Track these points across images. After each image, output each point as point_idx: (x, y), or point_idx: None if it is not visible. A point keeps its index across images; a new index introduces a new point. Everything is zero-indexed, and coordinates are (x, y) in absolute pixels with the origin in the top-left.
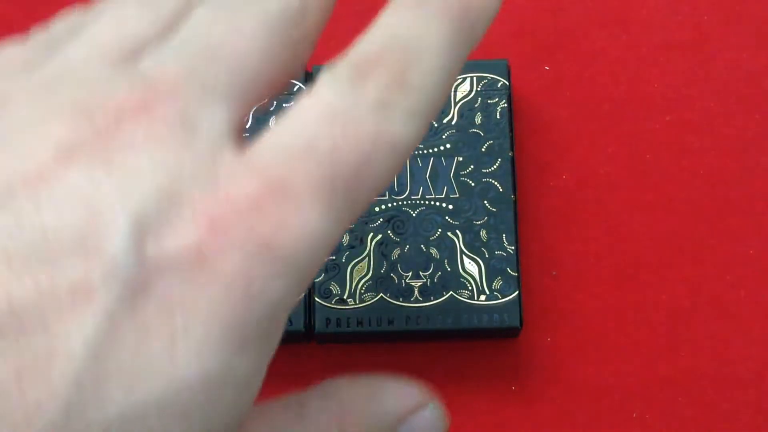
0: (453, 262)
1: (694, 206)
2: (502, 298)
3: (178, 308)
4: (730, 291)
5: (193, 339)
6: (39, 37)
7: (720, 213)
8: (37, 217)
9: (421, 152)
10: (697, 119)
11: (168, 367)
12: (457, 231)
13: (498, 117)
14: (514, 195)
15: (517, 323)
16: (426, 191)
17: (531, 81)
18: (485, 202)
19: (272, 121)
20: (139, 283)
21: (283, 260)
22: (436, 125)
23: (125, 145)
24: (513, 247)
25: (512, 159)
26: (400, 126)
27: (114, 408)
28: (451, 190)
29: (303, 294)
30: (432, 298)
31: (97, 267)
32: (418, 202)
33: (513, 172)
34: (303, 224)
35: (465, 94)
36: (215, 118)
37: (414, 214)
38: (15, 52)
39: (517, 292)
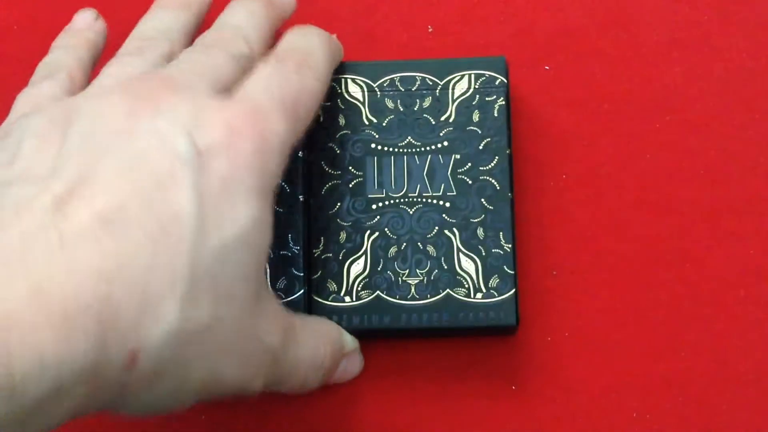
0: (450, 260)
1: (694, 206)
2: (499, 296)
3: (228, 173)
4: (730, 291)
5: (244, 191)
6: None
7: (720, 213)
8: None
9: (418, 150)
10: (697, 119)
11: (234, 213)
12: (454, 229)
13: (496, 114)
14: (512, 193)
15: (513, 321)
16: (423, 189)
17: (530, 80)
18: (482, 200)
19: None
20: (201, 164)
21: (270, 143)
22: (433, 122)
23: (163, 102)
24: (510, 245)
25: (510, 157)
26: (309, 80)
27: (215, 240)
28: (448, 187)
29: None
30: (429, 295)
31: (177, 160)
32: (415, 199)
33: (510, 170)
34: (277, 127)
35: (463, 91)
36: (209, 90)
37: (411, 212)
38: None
39: (513, 290)
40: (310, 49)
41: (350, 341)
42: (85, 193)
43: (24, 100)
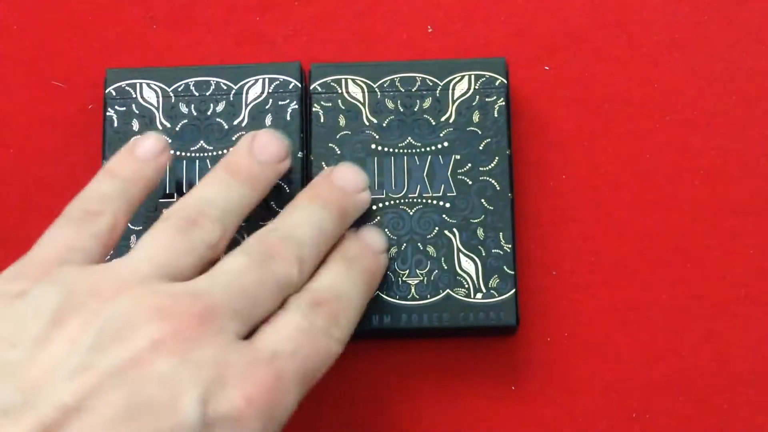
0: (450, 260)
1: (694, 206)
2: (499, 296)
3: None
4: (730, 291)
5: None
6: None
7: (720, 213)
8: (138, 388)
9: (418, 150)
10: (697, 119)
11: None
12: (454, 229)
13: (496, 115)
14: (512, 193)
15: (513, 321)
16: (423, 189)
17: (530, 80)
18: (482, 200)
19: (268, 119)
20: None
21: (277, 420)
22: (433, 123)
23: (192, 343)
24: (510, 246)
25: (510, 157)
26: (335, 344)
27: None
28: (448, 188)
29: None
30: (429, 296)
31: (175, 423)
32: (415, 200)
33: (511, 171)
34: (289, 399)
35: (463, 92)
36: (240, 330)
37: (411, 212)
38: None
39: (513, 291)
40: (348, 298)
41: None
42: (72, 429)
43: (54, 241)
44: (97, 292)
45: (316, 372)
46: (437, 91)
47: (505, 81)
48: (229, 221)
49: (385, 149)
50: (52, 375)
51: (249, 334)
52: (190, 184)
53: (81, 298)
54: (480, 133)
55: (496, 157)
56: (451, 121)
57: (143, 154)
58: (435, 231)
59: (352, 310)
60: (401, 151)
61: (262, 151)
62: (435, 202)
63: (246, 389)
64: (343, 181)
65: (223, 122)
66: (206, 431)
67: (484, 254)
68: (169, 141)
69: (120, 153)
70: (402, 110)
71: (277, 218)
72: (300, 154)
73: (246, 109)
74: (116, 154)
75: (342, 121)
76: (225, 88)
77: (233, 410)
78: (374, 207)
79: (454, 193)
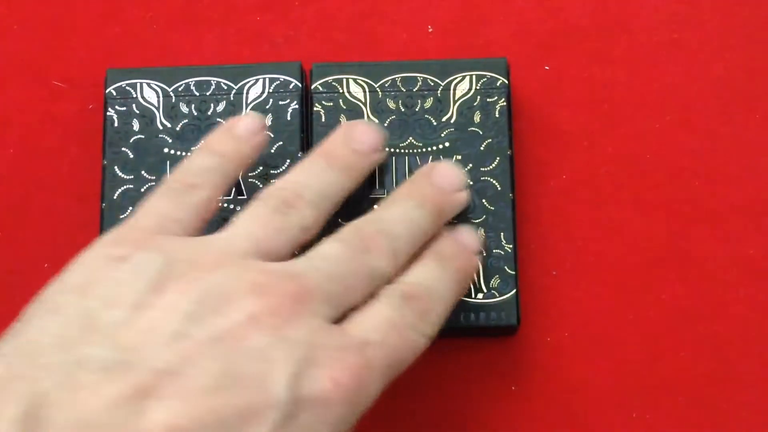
0: None
1: (694, 206)
2: (500, 296)
3: (310, 428)
4: (730, 291)
5: None
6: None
7: (720, 213)
8: (232, 359)
9: (420, 150)
10: (697, 119)
11: None
12: None
13: (497, 115)
14: (513, 194)
15: (514, 321)
16: None
17: (531, 80)
18: (483, 200)
19: (268, 119)
20: (290, 412)
21: (359, 406)
22: (434, 123)
23: (286, 322)
24: (511, 246)
25: (511, 158)
26: (422, 339)
27: None
28: None
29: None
30: None
31: (270, 400)
32: None
33: (512, 171)
34: (374, 388)
35: (464, 92)
36: (331, 314)
37: None
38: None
39: (514, 291)
40: (440, 295)
41: None
42: (167, 392)
43: (154, 210)
44: (197, 263)
45: (401, 364)
46: (438, 92)
47: (507, 81)
48: (324, 206)
49: (386, 149)
50: (150, 339)
51: (337, 321)
52: None
53: (181, 268)
54: (481, 133)
55: (497, 158)
56: (452, 121)
57: (241, 133)
58: None
59: (442, 307)
60: (402, 151)
61: (359, 140)
62: None
63: (335, 372)
64: (442, 180)
65: (224, 122)
66: (294, 409)
67: (485, 254)
68: (170, 141)
69: (218, 130)
70: (403, 110)
71: (375, 210)
72: (300, 155)
73: (246, 109)
74: (215, 132)
75: (343, 121)
76: (225, 88)
77: (321, 392)
78: (376, 207)
79: None
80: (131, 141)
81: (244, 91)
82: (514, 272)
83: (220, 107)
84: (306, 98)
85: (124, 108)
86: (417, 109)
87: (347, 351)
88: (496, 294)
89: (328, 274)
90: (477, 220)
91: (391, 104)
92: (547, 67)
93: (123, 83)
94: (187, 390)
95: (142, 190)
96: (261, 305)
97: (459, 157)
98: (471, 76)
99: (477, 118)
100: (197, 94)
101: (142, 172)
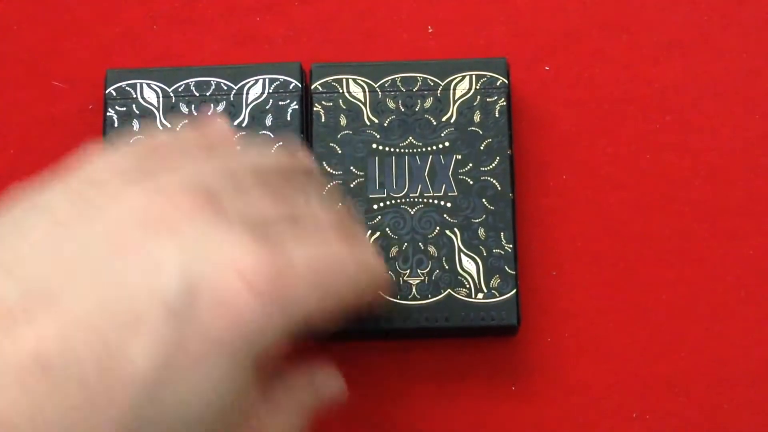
0: (451, 260)
1: (694, 206)
2: (500, 296)
3: (215, 337)
4: (730, 291)
5: (224, 363)
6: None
7: (720, 213)
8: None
9: (419, 150)
10: (697, 119)
11: (199, 387)
12: (455, 229)
13: (497, 115)
14: (513, 193)
15: (514, 321)
16: (424, 189)
17: (531, 80)
18: (484, 200)
19: (268, 119)
20: (184, 315)
21: (281, 313)
22: (434, 123)
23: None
24: (511, 246)
25: (511, 157)
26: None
27: (164, 407)
28: (449, 188)
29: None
30: (430, 295)
31: (157, 301)
32: (416, 200)
33: (512, 171)
34: (298, 294)
35: (464, 92)
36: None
37: (412, 212)
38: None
39: (514, 291)
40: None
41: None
42: (39, 316)
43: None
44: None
45: (331, 283)
46: (438, 91)
47: (506, 81)
48: None
49: (386, 149)
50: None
51: None
52: None
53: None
54: (481, 133)
55: (497, 157)
56: (452, 121)
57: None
58: (436, 231)
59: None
60: (402, 150)
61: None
62: (436, 201)
63: (242, 266)
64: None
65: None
66: (187, 312)
67: (485, 254)
68: None
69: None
70: (403, 110)
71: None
72: None
73: (246, 109)
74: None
75: (343, 121)
76: (225, 88)
77: (225, 285)
78: (375, 207)
79: (455, 193)
80: (131, 141)
81: (244, 92)
82: (514, 272)
83: (220, 107)
84: (306, 98)
85: (124, 108)
86: (417, 109)
87: (266, 251)
88: (496, 294)
89: (255, 205)
90: (477, 220)
91: (391, 104)
92: (547, 67)
93: (123, 83)
94: (62, 308)
95: None
96: (155, 204)
97: (459, 157)
98: (471, 76)
99: (477, 117)
100: (197, 94)
101: None
